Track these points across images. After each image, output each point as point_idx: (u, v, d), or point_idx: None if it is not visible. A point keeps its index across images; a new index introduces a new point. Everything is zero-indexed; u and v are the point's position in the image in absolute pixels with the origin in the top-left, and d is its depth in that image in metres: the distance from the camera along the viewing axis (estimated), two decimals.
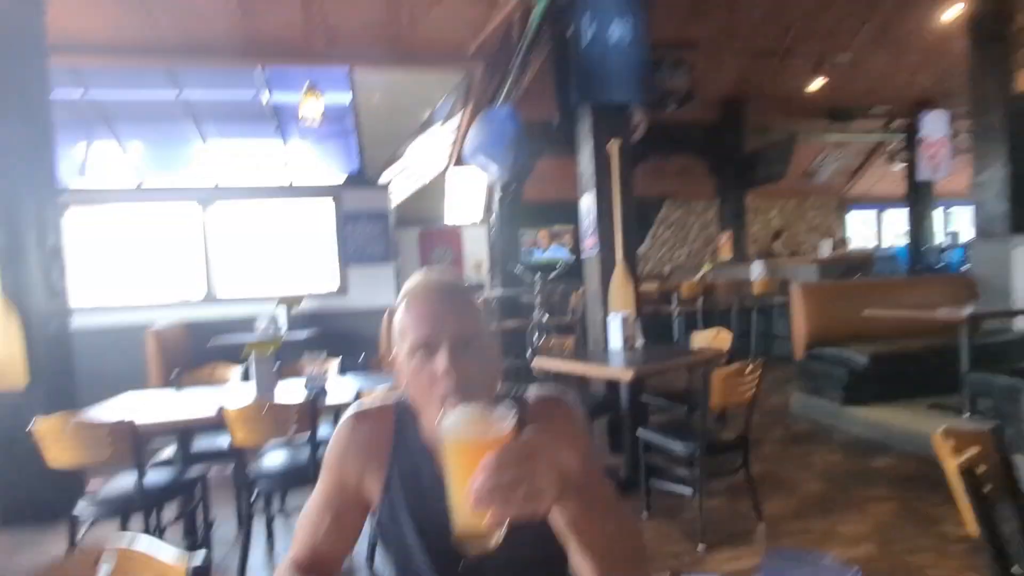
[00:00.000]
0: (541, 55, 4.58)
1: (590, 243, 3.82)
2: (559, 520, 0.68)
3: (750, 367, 2.37)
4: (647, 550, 0.79)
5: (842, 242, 10.32)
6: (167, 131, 5.34)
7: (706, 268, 8.34)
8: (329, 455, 0.90)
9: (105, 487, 2.23)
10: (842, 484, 2.98)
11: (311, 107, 4.05)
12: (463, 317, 0.81)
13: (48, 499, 2.69)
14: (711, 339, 3.35)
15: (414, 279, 0.86)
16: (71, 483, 2.80)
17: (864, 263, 7.60)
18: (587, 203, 3.82)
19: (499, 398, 0.87)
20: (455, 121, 7.03)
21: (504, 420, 0.60)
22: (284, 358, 3.21)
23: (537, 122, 6.05)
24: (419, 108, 5.32)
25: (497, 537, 0.61)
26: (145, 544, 0.92)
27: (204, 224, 5.15)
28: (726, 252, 9.02)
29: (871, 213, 12.55)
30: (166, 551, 0.91)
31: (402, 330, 0.84)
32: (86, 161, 5.49)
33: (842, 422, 3.89)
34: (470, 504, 0.57)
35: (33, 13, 3.09)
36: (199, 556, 0.88)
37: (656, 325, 7.52)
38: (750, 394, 2.41)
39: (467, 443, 0.61)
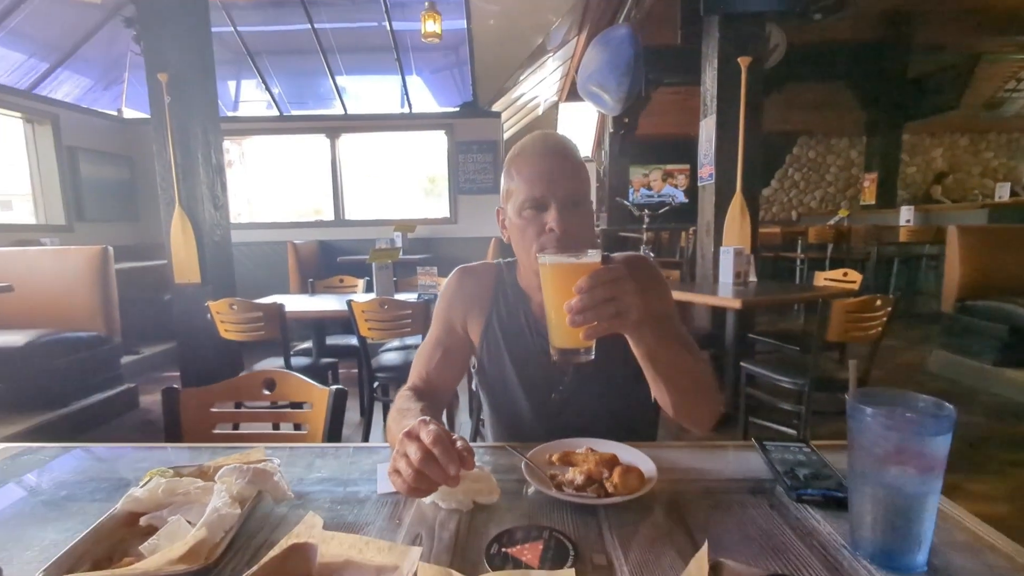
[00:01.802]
0: None
1: (707, 171, 3.59)
2: (636, 351, 0.76)
3: (879, 301, 2.15)
4: (716, 390, 0.87)
5: None
6: (303, 67, 5.78)
7: (842, 213, 7.48)
8: (439, 303, 1.03)
9: (259, 363, 2.67)
10: (980, 445, 2.66)
11: (432, 26, 4.24)
12: (574, 179, 0.87)
13: (219, 370, 3.26)
14: (838, 278, 3.07)
15: (524, 142, 0.91)
16: (235, 361, 3.39)
17: None
18: (708, 128, 3.55)
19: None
20: (567, 51, 6.77)
21: (594, 255, 0.68)
22: (400, 276, 3.51)
23: (657, 47, 5.64)
24: (533, 33, 5.18)
25: (590, 352, 0.69)
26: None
27: (334, 151, 5.61)
28: (869, 196, 7.96)
29: None
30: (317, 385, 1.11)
31: (510, 189, 0.90)
32: (237, 97, 6.17)
33: (991, 384, 3.41)
34: (567, 322, 0.64)
35: None
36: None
37: (777, 271, 7.00)
38: (876, 332, 2.20)
39: (564, 268, 0.68)
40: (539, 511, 0.66)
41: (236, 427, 2.13)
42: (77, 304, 3.14)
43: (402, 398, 0.92)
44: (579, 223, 0.86)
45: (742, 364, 2.55)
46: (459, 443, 0.63)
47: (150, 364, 4.20)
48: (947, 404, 0.50)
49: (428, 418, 0.66)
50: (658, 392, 0.83)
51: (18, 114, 4.40)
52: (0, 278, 2.70)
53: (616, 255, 1.04)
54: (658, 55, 5.90)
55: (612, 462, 0.69)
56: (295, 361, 2.69)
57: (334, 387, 1.05)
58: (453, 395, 3.01)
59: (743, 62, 3.32)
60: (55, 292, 3.13)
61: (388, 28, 5.06)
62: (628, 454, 0.75)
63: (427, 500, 0.67)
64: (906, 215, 6.16)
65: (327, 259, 5.21)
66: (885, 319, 2.19)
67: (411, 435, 0.63)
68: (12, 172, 4.66)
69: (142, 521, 0.60)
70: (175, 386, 1.09)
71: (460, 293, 1.02)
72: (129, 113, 5.49)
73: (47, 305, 3.11)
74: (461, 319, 1.01)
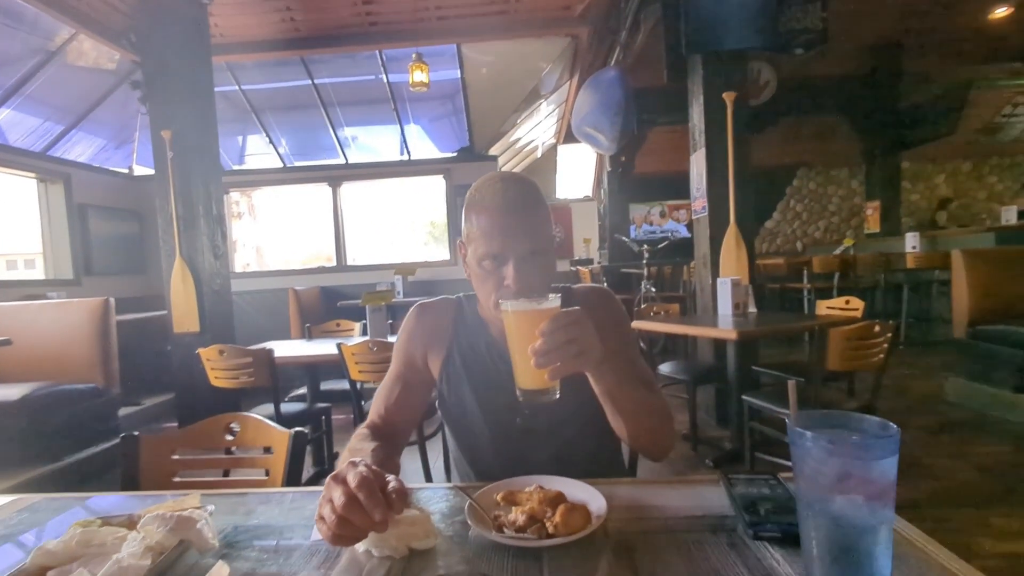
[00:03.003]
0: (652, 16, 4.33)
1: (700, 204, 3.59)
2: (596, 389, 0.77)
3: (878, 327, 2.08)
4: (672, 422, 0.90)
5: None
6: (304, 120, 6.00)
7: (847, 243, 7.42)
8: (399, 340, 1.01)
9: (252, 410, 2.63)
10: (1007, 478, 2.51)
11: (419, 76, 4.43)
12: (532, 233, 0.85)
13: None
14: (840, 306, 3.00)
15: (487, 183, 0.90)
16: (231, 409, 3.35)
17: None
18: (698, 162, 3.59)
19: (553, 290, 0.91)
20: (561, 95, 6.97)
21: (554, 300, 0.71)
22: (397, 318, 3.50)
23: (649, 88, 5.78)
24: (525, 79, 5.36)
25: (555, 391, 0.71)
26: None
27: (336, 200, 5.74)
28: (873, 225, 7.91)
29: None
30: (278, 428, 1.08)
31: (471, 234, 0.88)
32: (243, 150, 6.39)
33: (1015, 412, 3.26)
34: (531, 364, 0.66)
35: (201, 18, 3.65)
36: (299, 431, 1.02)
37: (784, 302, 6.90)
38: (878, 359, 2.12)
39: (526, 314, 0.70)
40: (480, 556, 0.61)
41: (226, 474, 2.09)
42: (76, 356, 3.15)
43: (357, 438, 0.89)
44: (538, 273, 0.86)
45: (744, 397, 2.46)
46: (392, 484, 0.60)
47: (150, 415, 4.18)
48: (891, 424, 0.46)
49: (360, 460, 0.63)
50: (616, 424, 0.85)
51: (32, 174, 4.58)
52: (1, 332, 2.72)
53: (578, 287, 1.02)
54: (650, 96, 6.04)
55: (557, 500, 0.64)
56: (289, 407, 2.65)
57: (294, 430, 1.02)
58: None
59: (728, 97, 3.38)
60: (55, 345, 3.14)
61: (385, 81, 5.26)
62: (579, 491, 0.70)
63: (360, 547, 0.63)
64: (912, 242, 6.09)
65: (328, 304, 5.23)
66: (886, 346, 2.12)
67: (337, 478, 0.60)
68: (28, 230, 4.81)
69: None
70: (135, 433, 1.06)
71: (420, 328, 1.01)
72: (140, 171, 5.69)
73: (46, 358, 3.12)
74: (421, 353, 0.99)
